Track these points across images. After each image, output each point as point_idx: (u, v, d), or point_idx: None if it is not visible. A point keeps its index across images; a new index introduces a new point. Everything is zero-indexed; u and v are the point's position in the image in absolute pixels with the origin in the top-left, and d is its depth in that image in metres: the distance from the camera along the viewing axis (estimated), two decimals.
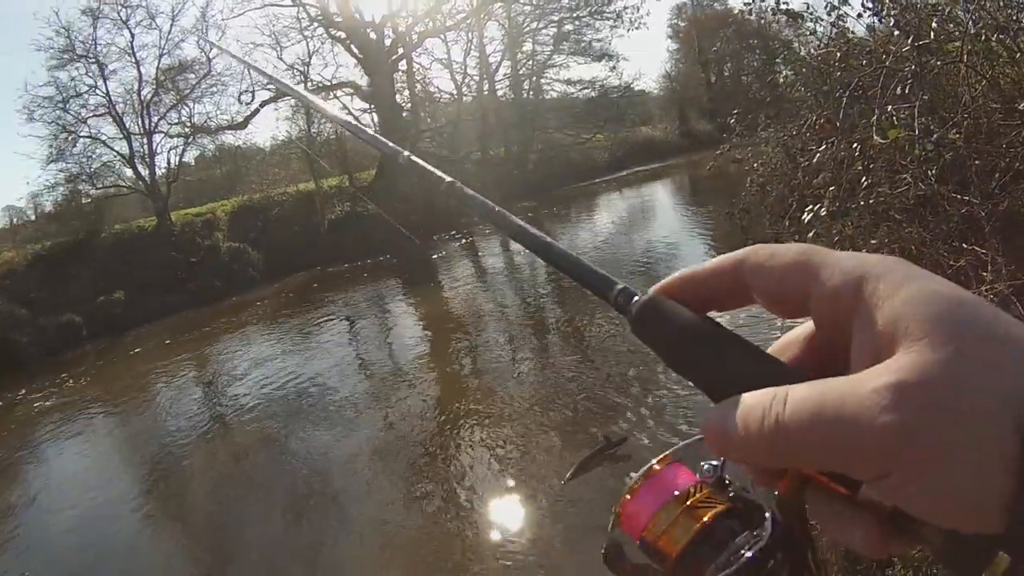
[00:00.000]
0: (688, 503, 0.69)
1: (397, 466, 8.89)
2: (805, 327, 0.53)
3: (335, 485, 8.76)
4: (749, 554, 0.63)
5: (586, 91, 47.51)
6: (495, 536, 6.97)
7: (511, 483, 7.84)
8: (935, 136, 4.24)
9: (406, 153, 0.88)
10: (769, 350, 0.53)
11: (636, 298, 0.56)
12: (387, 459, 9.15)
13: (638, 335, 0.55)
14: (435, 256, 25.89)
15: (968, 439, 0.37)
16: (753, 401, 0.44)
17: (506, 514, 7.28)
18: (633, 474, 0.73)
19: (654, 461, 0.75)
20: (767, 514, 0.64)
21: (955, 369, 0.38)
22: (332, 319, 19.04)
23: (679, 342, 0.53)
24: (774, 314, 0.52)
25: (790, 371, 0.48)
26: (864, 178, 5.00)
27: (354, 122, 1.08)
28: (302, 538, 7.81)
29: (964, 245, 4.37)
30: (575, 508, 7.05)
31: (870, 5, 5.72)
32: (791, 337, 0.54)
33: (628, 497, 0.71)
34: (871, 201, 4.94)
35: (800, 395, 0.42)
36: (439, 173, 0.81)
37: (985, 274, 3.92)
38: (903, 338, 0.40)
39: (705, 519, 0.67)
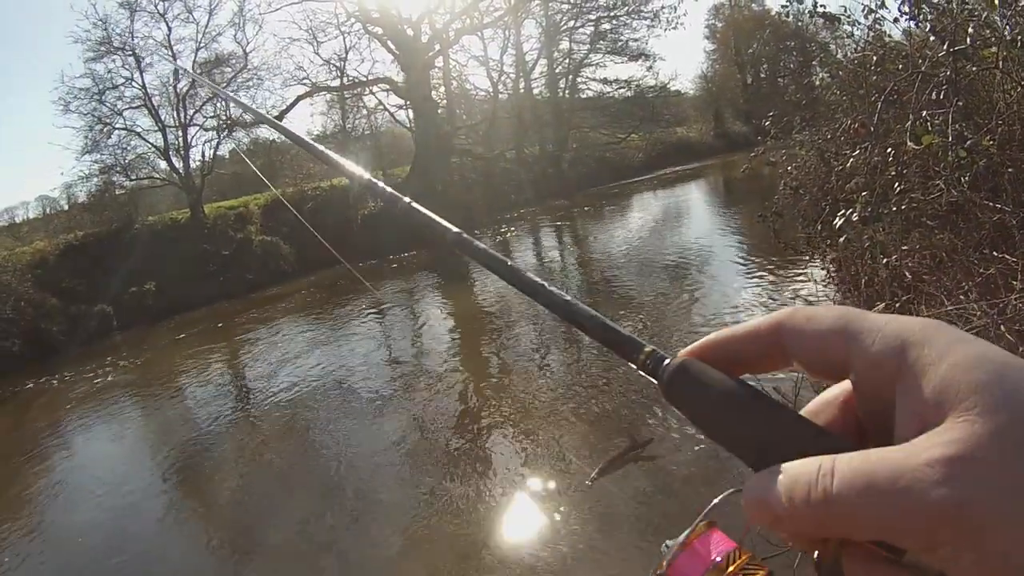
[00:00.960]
0: (729, 571, 0.68)
1: (424, 461, 8.90)
2: (841, 388, 0.52)
3: (362, 479, 8.77)
4: None
5: (622, 90, 47.43)
6: (521, 534, 6.96)
7: (537, 481, 7.83)
8: (968, 143, 4.21)
9: (406, 200, 0.83)
10: (803, 411, 0.53)
11: (667, 362, 0.55)
12: (415, 454, 9.17)
13: (670, 400, 0.54)
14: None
15: (1022, 512, 0.37)
16: (797, 472, 0.43)
17: (532, 512, 7.26)
18: (669, 542, 0.74)
19: (689, 530, 0.75)
20: None
21: (1007, 441, 0.38)
22: (362, 313, 19.06)
23: (713, 408, 0.52)
24: (813, 378, 0.52)
25: (831, 438, 0.47)
26: (897, 183, 4.97)
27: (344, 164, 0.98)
28: (327, 530, 7.82)
29: (995, 253, 4.34)
30: (601, 507, 7.04)
31: (906, 9, 5.68)
32: (826, 399, 0.53)
33: (666, 566, 0.72)
34: (903, 207, 4.91)
35: (849, 466, 0.41)
36: (444, 223, 0.78)
37: (1015, 282, 3.90)
38: (952, 407, 0.40)
39: None
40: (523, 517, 7.23)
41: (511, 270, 0.70)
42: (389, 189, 0.85)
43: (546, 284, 0.65)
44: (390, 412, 10.79)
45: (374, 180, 0.86)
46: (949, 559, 0.39)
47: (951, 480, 0.38)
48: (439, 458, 8.91)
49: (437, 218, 0.77)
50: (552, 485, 7.69)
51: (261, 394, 13.22)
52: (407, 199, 0.82)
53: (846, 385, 0.51)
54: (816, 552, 0.47)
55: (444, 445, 9.26)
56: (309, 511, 8.39)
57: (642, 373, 0.56)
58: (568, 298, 0.62)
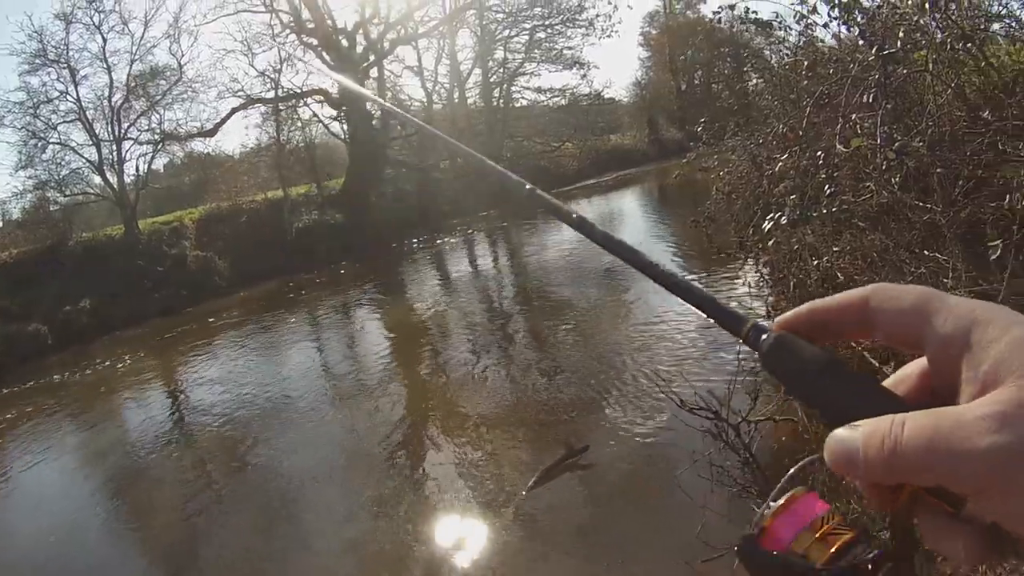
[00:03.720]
0: (822, 530, 0.72)
1: (362, 473, 8.82)
2: (918, 363, 0.59)
3: (300, 493, 8.66)
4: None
5: (556, 99, 47.76)
6: (458, 544, 6.89)
7: (475, 492, 7.79)
8: (896, 144, 4.25)
9: (528, 186, 0.93)
10: (884, 383, 0.59)
11: (765, 335, 0.60)
12: (353, 468, 9.08)
13: (767, 368, 0.60)
14: (402, 263, 25.79)
15: None
16: (874, 425, 0.50)
17: (469, 523, 7.22)
18: (772, 503, 0.76)
19: (789, 493, 0.78)
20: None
21: None
22: (298, 328, 18.94)
23: (805, 377, 0.57)
24: (892, 348, 0.59)
25: (904, 403, 0.53)
26: (828, 186, 5.01)
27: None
28: (267, 547, 7.71)
29: (926, 252, 4.40)
30: (538, 517, 7.02)
31: (836, 15, 5.74)
32: (905, 372, 0.60)
33: (764, 525, 0.73)
34: (834, 209, 4.95)
35: (917, 421, 0.48)
36: (566, 208, 0.84)
37: (946, 280, 3.94)
38: (1006, 376, 0.47)
39: (835, 548, 0.73)
40: (460, 527, 7.18)
41: (629, 249, 0.74)
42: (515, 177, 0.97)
43: (661, 264, 0.70)
44: (327, 425, 10.69)
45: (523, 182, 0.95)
46: (999, 504, 0.46)
47: (1000, 431, 0.45)
48: (377, 470, 8.84)
49: (559, 203, 0.85)
50: (488, 495, 7.66)
51: (199, 411, 13.03)
52: (529, 186, 0.94)
53: (922, 362, 0.58)
54: (890, 507, 0.55)
55: (382, 457, 9.19)
56: (248, 525, 8.29)
57: (742, 344, 0.62)
58: (679, 275, 0.68)
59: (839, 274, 5.33)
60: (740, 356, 6.77)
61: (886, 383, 0.59)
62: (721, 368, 8.72)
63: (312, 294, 23.10)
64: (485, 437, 9.07)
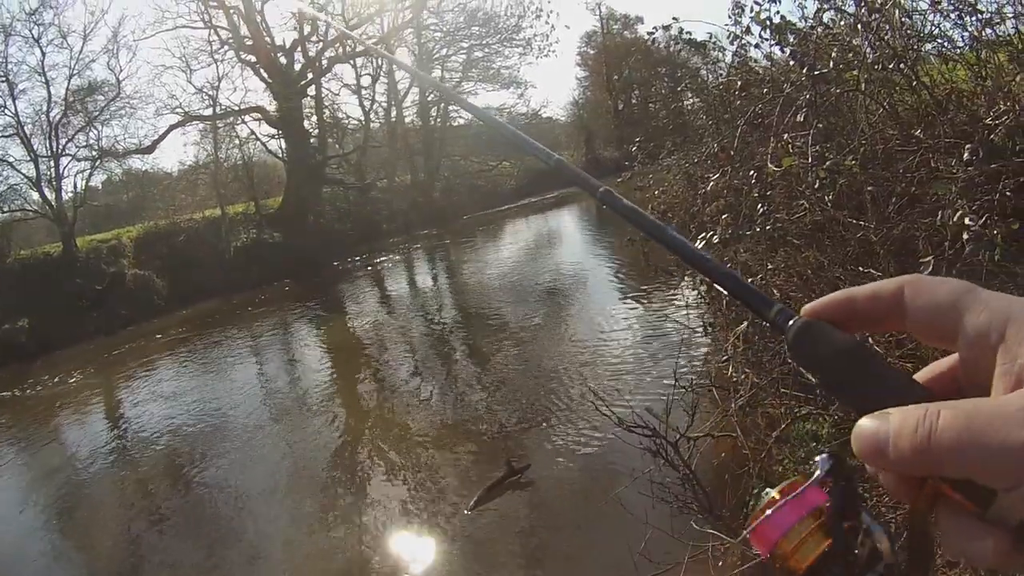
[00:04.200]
0: (820, 520, 0.68)
1: (306, 493, 8.78)
2: (947, 360, 0.59)
3: (241, 515, 8.57)
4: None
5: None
6: (402, 563, 6.86)
7: (416, 511, 7.76)
8: (828, 163, 4.31)
9: (556, 156, 0.93)
10: (915, 376, 0.59)
11: (792, 320, 0.59)
12: (296, 486, 9.03)
13: (793, 354, 0.59)
14: (342, 283, 25.66)
15: None
16: (907, 412, 0.49)
17: (411, 543, 7.20)
18: (769, 489, 0.72)
19: (792, 479, 0.74)
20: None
21: None
22: (238, 347, 18.78)
23: (833, 362, 0.56)
24: (923, 342, 0.59)
25: (935, 396, 0.51)
26: (761, 205, 5.05)
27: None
28: (210, 564, 7.65)
29: (860, 268, 4.45)
30: (480, 535, 7.00)
31: (767, 36, 5.81)
32: (935, 368, 0.60)
33: (768, 511, 0.69)
34: (768, 227, 4.99)
35: (951, 411, 0.47)
36: (593, 180, 0.85)
37: None
38: None
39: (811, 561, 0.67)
40: (403, 545, 7.18)
41: (659, 228, 0.73)
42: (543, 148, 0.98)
43: (689, 243, 0.70)
44: (269, 446, 10.58)
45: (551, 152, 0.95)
46: None
47: None
48: (320, 488, 8.79)
49: (587, 175, 0.87)
50: (430, 514, 7.64)
51: (142, 429, 12.85)
52: (557, 155, 0.94)
53: (951, 359, 0.58)
54: (910, 502, 0.53)
55: (323, 477, 9.13)
56: (192, 543, 8.25)
57: (769, 328, 0.63)
58: (709, 256, 0.68)
59: (774, 291, 5.37)
60: (677, 371, 6.81)
61: (917, 376, 0.59)
62: (659, 383, 8.79)
63: (253, 313, 22.97)
64: (427, 455, 9.05)
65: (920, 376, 0.59)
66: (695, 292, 9.37)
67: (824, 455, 0.73)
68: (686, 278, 9.31)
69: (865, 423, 0.51)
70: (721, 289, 0.66)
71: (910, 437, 0.48)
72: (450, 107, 47.11)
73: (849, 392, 0.55)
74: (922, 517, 0.52)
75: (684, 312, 9.92)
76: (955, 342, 0.54)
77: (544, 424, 9.09)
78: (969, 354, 0.53)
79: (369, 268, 27.54)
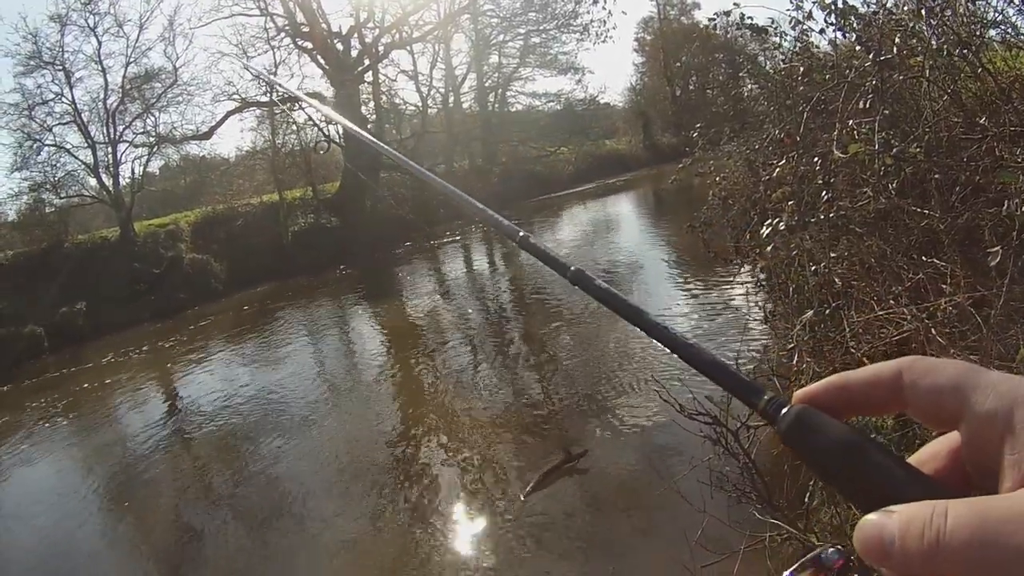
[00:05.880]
0: None
1: (359, 481, 8.79)
2: (948, 440, 0.56)
3: (296, 500, 8.62)
4: None
5: (551, 104, 47.98)
6: (455, 551, 6.89)
7: (472, 497, 7.78)
8: (895, 150, 4.26)
9: (522, 233, 0.93)
10: (910, 459, 0.56)
11: (785, 410, 0.57)
12: (349, 474, 9.05)
13: (788, 445, 0.56)
14: (398, 267, 25.76)
15: None
16: (913, 512, 0.46)
17: (467, 529, 7.21)
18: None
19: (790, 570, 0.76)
20: None
21: None
22: (295, 331, 18.89)
23: (828, 456, 0.54)
24: (925, 425, 0.56)
25: (938, 487, 0.50)
26: (825, 192, 5.01)
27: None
28: (264, 553, 7.69)
29: (924, 258, 4.40)
30: (536, 521, 7.00)
31: (832, 20, 5.75)
32: (933, 449, 0.57)
33: None
34: (831, 215, 4.95)
35: (960, 511, 0.44)
36: (562, 260, 0.84)
37: (944, 287, 3.94)
38: None
39: None
40: (458, 532, 7.18)
41: (634, 309, 0.71)
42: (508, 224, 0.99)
43: (671, 328, 0.67)
44: (326, 431, 10.66)
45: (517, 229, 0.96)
46: None
47: None
48: (375, 476, 8.81)
49: (555, 255, 0.86)
50: (485, 500, 7.64)
51: (196, 416, 12.97)
52: (522, 232, 0.93)
53: (953, 437, 0.55)
54: None
55: (380, 462, 9.16)
56: (245, 531, 8.27)
57: (761, 419, 0.58)
58: (691, 342, 0.65)
59: (836, 279, 5.33)
60: (738, 359, 6.77)
61: (912, 459, 0.57)
62: None
63: (309, 298, 23.07)
64: (483, 440, 9.05)
65: (919, 457, 0.57)
66: (754, 280, 9.31)
67: (832, 549, 0.74)
68: (746, 266, 9.22)
69: (868, 522, 0.49)
70: (707, 377, 0.62)
71: (916, 539, 0.45)
72: (508, 92, 47.25)
73: (849, 487, 0.53)
74: None
75: (744, 299, 9.88)
76: (958, 425, 0.52)
77: (600, 410, 9.05)
78: (974, 439, 0.51)
79: (426, 252, 27.57)
